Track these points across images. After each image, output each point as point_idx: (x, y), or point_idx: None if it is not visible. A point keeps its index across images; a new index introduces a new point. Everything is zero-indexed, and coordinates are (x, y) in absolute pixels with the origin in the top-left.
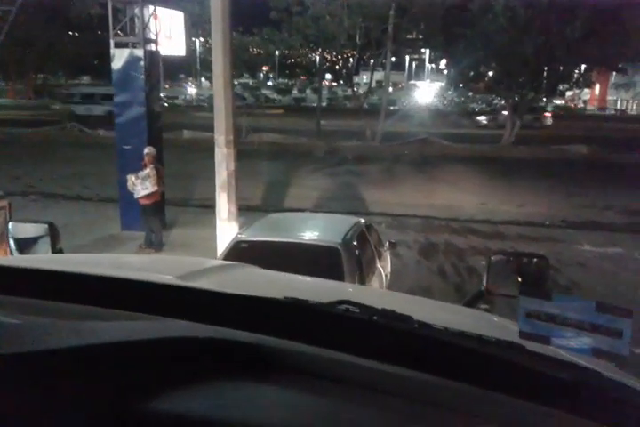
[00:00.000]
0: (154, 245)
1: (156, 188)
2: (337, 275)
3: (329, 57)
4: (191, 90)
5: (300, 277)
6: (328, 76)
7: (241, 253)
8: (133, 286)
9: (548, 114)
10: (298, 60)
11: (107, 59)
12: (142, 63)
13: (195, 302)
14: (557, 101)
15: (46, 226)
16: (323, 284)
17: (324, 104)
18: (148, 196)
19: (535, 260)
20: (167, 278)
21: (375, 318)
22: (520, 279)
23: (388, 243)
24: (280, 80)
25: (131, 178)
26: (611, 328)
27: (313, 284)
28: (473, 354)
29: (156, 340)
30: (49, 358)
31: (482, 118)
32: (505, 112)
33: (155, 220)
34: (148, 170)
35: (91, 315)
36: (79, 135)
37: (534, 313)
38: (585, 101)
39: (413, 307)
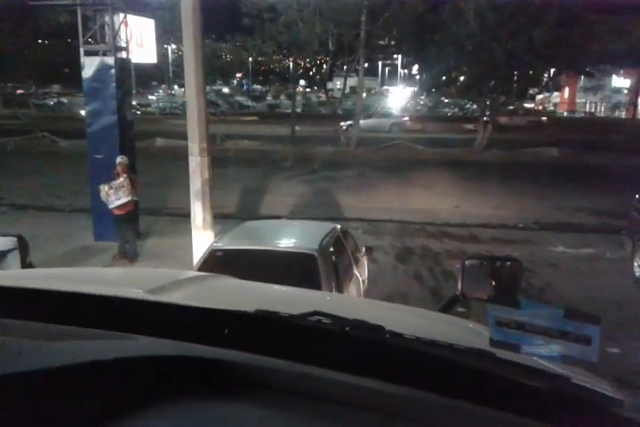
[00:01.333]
0: (128, 255)
1: (129, 197)
2: (314, 282)
3: (302, 63)
4: (155, 97)
5: (275, 286)
6: (302, 82)
7: (217, 261)
8: (99, 303)
9: (406, 118)
10: (271, 66)
11: (77, 67)
12: (113, 71)
13: (162, 318)
14: (528, 105)
15: (15, 239)
16: (297, 293)
17: (298, 110)
18: (121, 206)
19: (508, 263)
20: (136, 293)
21: (347, 329)
22: (494, 283)
23: (364, 248)
24: (254, 87)
25: (104, 188)
26: (579, 335)
27: (287, 294)
28: (444, 364)
29: (122, 359)
30: (16, 381)
31: (343, 124)
32: (369, 120)
33: (129, 230)
34: (121, 179)
35: (56, 334)
36: (50, 145)
37: (504, 321)
38: (555, 105)
39: (388, 314)
